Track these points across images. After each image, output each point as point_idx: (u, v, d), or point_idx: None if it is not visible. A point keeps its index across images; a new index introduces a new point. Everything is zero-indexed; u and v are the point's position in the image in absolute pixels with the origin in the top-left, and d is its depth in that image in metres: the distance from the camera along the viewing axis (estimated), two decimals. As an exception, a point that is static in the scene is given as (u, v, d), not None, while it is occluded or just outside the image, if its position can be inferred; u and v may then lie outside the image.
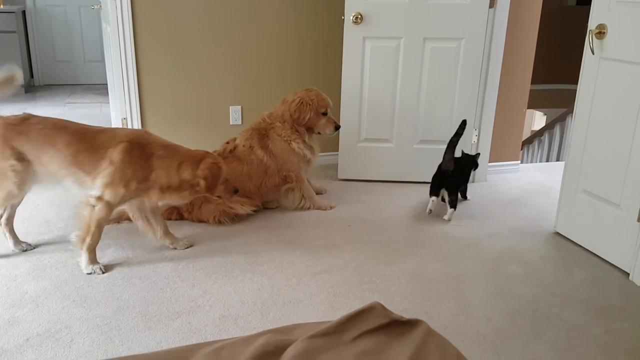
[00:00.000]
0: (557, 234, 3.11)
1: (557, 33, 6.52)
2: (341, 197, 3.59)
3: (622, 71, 2.65)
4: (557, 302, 2.44)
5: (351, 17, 3.53)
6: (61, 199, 3.38)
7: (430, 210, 3.27)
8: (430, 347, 1.18)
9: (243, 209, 3.13)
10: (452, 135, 3.25)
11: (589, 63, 2.84)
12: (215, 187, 2.64)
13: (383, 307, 1.35)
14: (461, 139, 3.24)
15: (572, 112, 3.02)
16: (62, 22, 6.89)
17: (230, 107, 3.96)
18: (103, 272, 2.56)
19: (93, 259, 2.58)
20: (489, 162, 3.96)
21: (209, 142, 3.77)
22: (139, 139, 2.58)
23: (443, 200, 3.29)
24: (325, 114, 3.31)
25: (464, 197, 3.58)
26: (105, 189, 2.50)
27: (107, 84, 4.75)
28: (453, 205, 3.24)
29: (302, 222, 3.19)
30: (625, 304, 2.44)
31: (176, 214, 3.13)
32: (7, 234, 2.73)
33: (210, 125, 3.94)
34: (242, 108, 3.98)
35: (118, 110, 3.87)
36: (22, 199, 2.69)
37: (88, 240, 2.55)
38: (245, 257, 2.74)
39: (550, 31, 6.29)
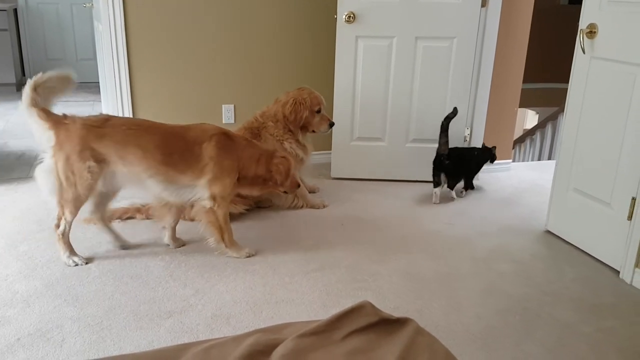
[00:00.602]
0: (548, 232, 3.13)
1: (550, 32, 6.54)
2: (334, 195, 3.60)
3: (613, 70, 2.66)
4: (548, 300, 2.45)
5: (344, 16, 3.53)
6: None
7: (436, 202, 3.48)
8: (419, 345, 1.18)
9: (236, 208, 3.13)
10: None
11: (579, 62, 2.86)
12: (285, 182, 2.74)
13: (372, 305, 1.35)
14: (450, 138, 3.28)
15: (564, 111, 3.03)
16: (54, 20, 6.85)
17: (223, 105, 3.96)
18: (255, 254, 2.74)
19: (239, 248, 2.73)
20: (481, 160, 3.97)
21: (201, 141, 3.78)
22: (225, 131, 2.65)
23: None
24: (319, 111, 3.31)
25: (470, 187, 3.71)
26: (213, 184, 2.56)
27: (99, 82, 4.73)
28: (450, 186, 3.50)
29: (295, 221, 3.19)
30: (615, 302, 2.46)
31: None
32: (106, 231, 2.74)
33: (202, 124, 3.93)
34: (234, 107, 3.98)
35: (110, 109, 3.86)
36: (115, 196, 2.75)
37: (226, 237, 2.68)
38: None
39: (543, 30, 6.31)
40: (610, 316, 2.35)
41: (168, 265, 2.63)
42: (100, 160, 2.49)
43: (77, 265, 2.59)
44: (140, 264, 2.64)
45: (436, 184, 3.48)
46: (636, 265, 2.59)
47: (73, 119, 2.53)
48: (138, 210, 3.11)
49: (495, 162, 3.82)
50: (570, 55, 2.91)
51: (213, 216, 2.62)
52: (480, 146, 3.78)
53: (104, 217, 2.75)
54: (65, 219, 2.56)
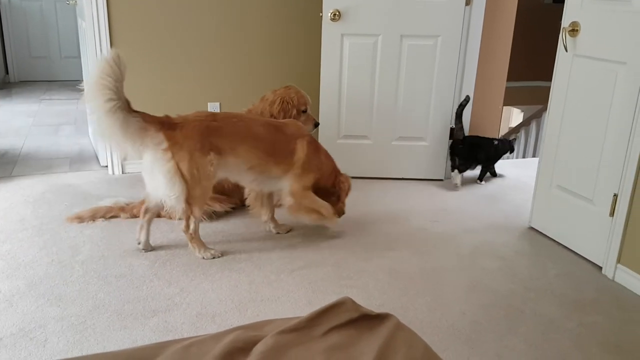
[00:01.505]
0: (532, 228, 3.16)
1: (534, 30, 6.59)
2: (320, 193, 3.59)
3: (595, 68, 2.69)
4: (532, 296, 2.47)
5: (329, 14, 3.53)
6: (36, 197, 3.34)
7: (457, 185, 3.73)
8: (398, 340, 1.19)
9: (221, 206, 3.12)
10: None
11: (562, 60, 2.88)
12: (344, 200, 2.95)
13: (353, 301, 1.36)
14: (437, 135, 3.29)
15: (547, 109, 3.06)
16: (37, 17, 6.78)
17: (209, 103, 3.94)
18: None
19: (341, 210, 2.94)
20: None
21: (186, 139, 3.76)
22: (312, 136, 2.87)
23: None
24: (305, 111, 3.31)
25: (493, 175, 4.04)
26: (298, 179, 2.74)
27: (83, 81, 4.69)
28: (460, 170, 3.71)
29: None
30: (598, 297, 2.49)
31: (153, 212, 3.11)
32: (145, 229, 2.73)
33: (188, 122, 3.91)
34: (220, 104, 3.96)
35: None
36: None
37: (325, 212, 2.82)
38: (223, 254, 2.74)
39: (527, 28, 6.36)
40: (593, 311, 2.38)
41: (152, 264, 2.62)
42: (219, 153, 2.56)
43: (214, 258, 2.68)
44: (125, 263, 2.62)
45: (452, 167, 3.76)
46: (618, 261, 2.62)
47: (181, 118, 2.57)
48: (122, 209, 3.09)
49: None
50: (554, 54, 2.93)
51: (307, 202, 2.79)
52: (499, 137, 4.07)
53: (153, 216, 2.74)
54: (194, 216, 2.60)
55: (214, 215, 3.11)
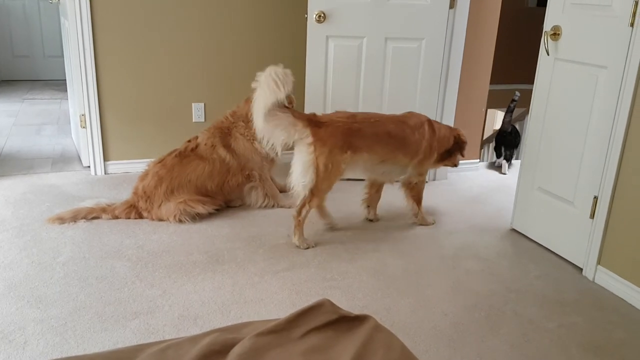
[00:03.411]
0: (514, 230, 3.19)
1: (518, 34, 6.65)
2: (304, 195, 3.59)
3: (576, 72, 2.72)
4: (513, 297, 2.50)
5: (314, 16, 3.54)
6: (16, 198, 3.30)
7: (505, 172, 4.24)
8: (376, 341, 1.19)
9: (204, 207, 3.11)
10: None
11: (544, 64, 2.91)
12: (464, 150, 3.27)
13: (332, 303, 1.36)
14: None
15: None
16: (20, 15, 6.69)
17: (193, 104, 3.92)
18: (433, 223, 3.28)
19: (427, 217, 3.27)
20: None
21: (170, 140, 3.74)
22: (429, 119, 3.10)
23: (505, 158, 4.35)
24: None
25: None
26: (421, 164, 3.05)
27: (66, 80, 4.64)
28: (507, 158, 4.27)
29: (266, 221, 3.18)
30: (578, 298, 2.52)
31: (135, 213, 3.09)
32: (325, 214, 3.10)
33: (172, 123, 3.90)
34: (205, 105, 3.95)
35: (76, 107, 3.80)
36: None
37: (421, 208, 3.20)
38: (207, 256, 2.72)
39: (511, 32, 6.41)
40: (573, 312, 2.40)
41: (134, 266, 2.60)
42: (355, 151, 2.82)
43: (308, 248, 2.86)
44: (106, 264, 2.60)
45: (498, 155, 4.36)
46: (598, 263, 2.65)
47: (326, 117, 2.83)
48: (104, 210, 3.06)
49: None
50: (537, 57, 2.96)
51: (415, 191, 3.14)
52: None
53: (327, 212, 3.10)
54: (309, 205, 2.83)
55: (197, 217, 3.10)
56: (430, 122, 3.07)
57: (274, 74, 2.60)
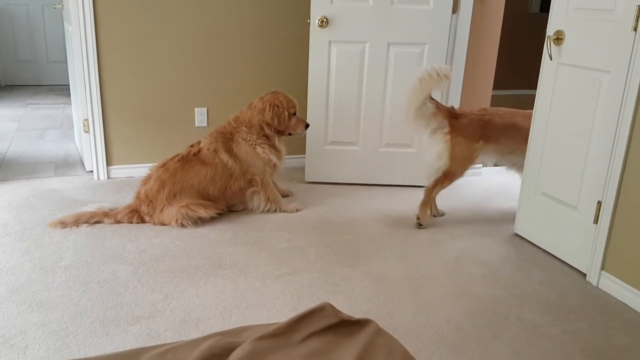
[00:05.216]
0: (517, 235, 3.18)
1: (521, 39, 6.65)
2: (308, 199, 3.59)
3: (579, 76, 2.72)
4: (516, 302, 2.48)
5: (317, 21, 3.54)
6: (19, 202, 3.30)
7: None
8: (377, 346, 1.18)
9: (207, 212, 3.10)
10: None
11: (547, 68, 2.91)
12: None
13: (332, 307, 1.35)
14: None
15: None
16: (24, 21, 6.73)
17: (196, 108, 3.93)
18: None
19: None
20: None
21: (173, 145, 3.75)
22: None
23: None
24: (294, 114, 3.33)
25: None
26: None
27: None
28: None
29: (268, 225, 3.18)
30: (581, 304, 2.50)
31: (138, 218, 3.08)
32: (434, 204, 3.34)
33: (175, 127, 3.90)
34: (207, 110, 3.95)
35: (80, 112, 3.81)
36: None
37: None
38: (208, 261, 2.72)
39: (514, 37, 6.42)
40: (576, 318, 2.39)
41: (136, 270, 2.59)
42: (486, 141, 3.13)
43: (425, 228, 3.21)
44: (108, 269, 2.60)
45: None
46: (602, 268, 2.64)
47: (462, 110, 3.19)
48: (106, 214, 3.06)
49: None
50: (540, 62, 2.96)
51: None
52: None
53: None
54: (442, 185, 3.19)
55: (199, 221, 3.10)
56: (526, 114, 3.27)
57: (437, 67, 2.95)
